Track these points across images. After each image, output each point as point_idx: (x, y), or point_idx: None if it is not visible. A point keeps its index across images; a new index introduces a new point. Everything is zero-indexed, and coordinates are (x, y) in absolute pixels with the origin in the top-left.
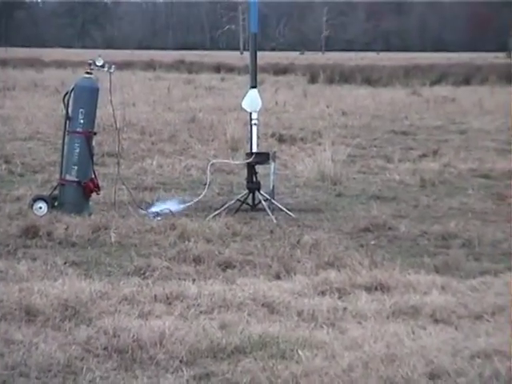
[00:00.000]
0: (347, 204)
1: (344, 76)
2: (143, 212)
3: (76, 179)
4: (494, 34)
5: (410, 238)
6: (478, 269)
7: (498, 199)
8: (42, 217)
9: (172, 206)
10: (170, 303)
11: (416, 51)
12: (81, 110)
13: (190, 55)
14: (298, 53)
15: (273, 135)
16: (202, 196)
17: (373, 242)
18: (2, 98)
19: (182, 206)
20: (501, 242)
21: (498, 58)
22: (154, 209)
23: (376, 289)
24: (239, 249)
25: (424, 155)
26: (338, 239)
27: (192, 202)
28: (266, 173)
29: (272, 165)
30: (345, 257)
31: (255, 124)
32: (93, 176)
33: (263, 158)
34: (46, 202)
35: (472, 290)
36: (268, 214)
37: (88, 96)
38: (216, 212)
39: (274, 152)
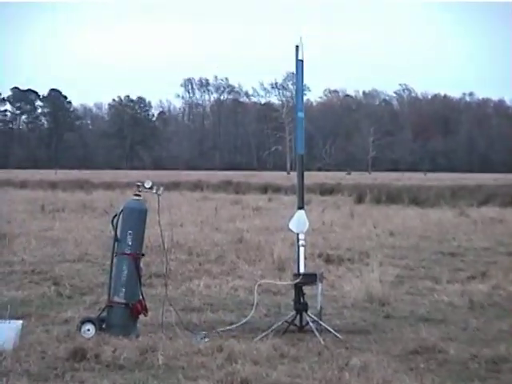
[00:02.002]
0: (395, 326)
1: (391, 196)
2: (191, 334)
3: (124, 301)
4: None
5: (459, 362)
6: None
7: None
8: (89, 339)
9: None
10: None
11: (463, 171)
12: (129, 231)
13: (237, 175)
14: (344, 173)
15: (320, 255)
16: (249, 317)
17: (422, 366)
18: (51, 219)
19: None
20: None
21: None
22: None
23: None
24: (287, 371)
25: (472, 277)
26: (387, 362)
27: (239, 324)
28: (314, 293)
29: (319, 285)
30: (394, 380)
31: (302, 245)
32: (141, 297)
33: (310, 278)
34: (94, 325)
35: None
36: (316, 336)
37: (136, 218)
38: (263, 333)
39: (322, 273)
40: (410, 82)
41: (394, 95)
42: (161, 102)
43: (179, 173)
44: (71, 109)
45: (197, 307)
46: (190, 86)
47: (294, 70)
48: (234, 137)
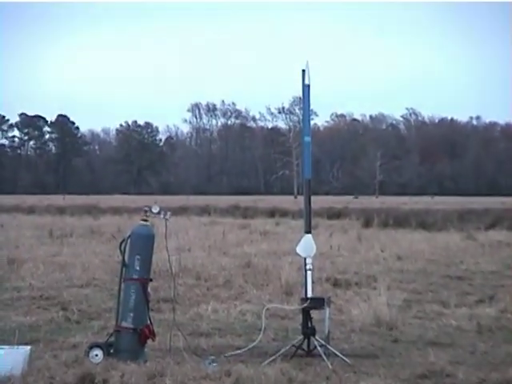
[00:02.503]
0: (404, 350)
1: (398, 220)
2: (199, 358)
3: (132, 326)
4: None
5: None
6: None
7: None
8: (97, 364)
9: None
10: None
11: (470, 195)
12: (137, 256)
13: (245, 200)
14: (351, 197)
15: (327, 279)
16: (257, 341)
17: None
18: (59, 245)
19: None
20: None
21: None
22: None
23: None
24: None
25: (480, 300)
26: None
27: (247, 348)
28: (321, 318)
29: (327, 310)
30: None
31: (310, 269)
32: (148, 322)
33: (318, 303)
34: (102, 350)
35: None
36: (324, 360)
37: (144, 243)
38: (271, 358)
39: (329, 297)
40: (417, 106)
41: (401, 119)
42: (168, 127)
43: (187, 197)
44: (79, 134)
45: (205, 332)
46: (197, 111)
47: (300, 94)
48: (242, 161)
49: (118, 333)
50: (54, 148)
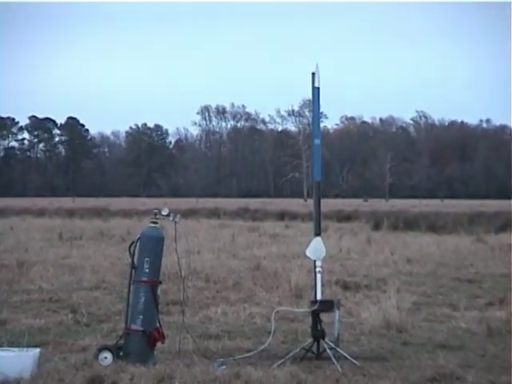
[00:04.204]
0: (413, 353)
1: (408, 223)
2: (208, 361)
3: (141, 328)
4: None
5: None
6: None
7: None
8: (107, 367)
9: None
10: None
11: (480, 198)
12: (146, 259)
13: (254, 202)
14: (361, 199)
15: (337, 282)
16: (266, 344)
17: None
18: (69, 247)
19: None
20: None
21: None
22: None
23: None
24: None
25: (490, 303)
26: None
27: (257, 351)
28: (331, 320)
29: (337, 312)
30: None
31: (319, 272)
32: (158, 325)
33: (328, 305)
34: (111, 352)
35: None
36: (333, 363)
37: (153, 246)
38: (281, 361)
39: (339, 300)
40: (427, 108)
41: (411, 122)
42: (178, 129)
43: (196, 200)
44: (88, 137)
45: (214, 334)
46: (206, 114)
47: (310, 97)
48: (251, 164)
49: (128, 335)
50: (63, 150)
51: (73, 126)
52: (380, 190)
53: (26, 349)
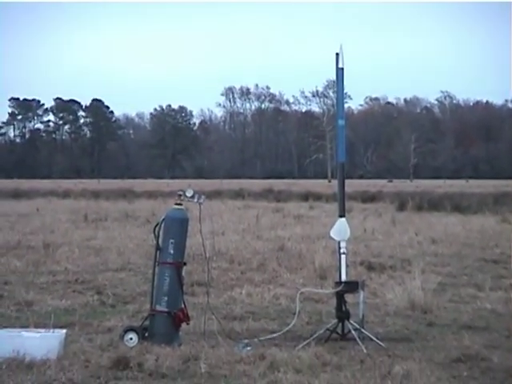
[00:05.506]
0: (438, 334)
1: (433, 203)
2: (233, 342)
3: (166, 310)
4: None
5: (503, 370)
6: None
7: None
8: (132, 348)
9: None
10: None
11: (505, 178)
12: (171, 240)
13: (279, 184)
14: (386, 180)
15: (362, 263)
16: (291, 325)
17: (465, 374)
18: (94, 229)
19: None
20: None
21: None
22: None
23: None
24: (329, 379)
25: None
26: (430, 370)
27: (282, 332)
28: (356, 301)
29: (361, 293)
30: None
31: (344, 253)
32: (183, 306)
33: (352, 286)
34: (137, 333)
35: None
36: (358, 344)
37: (178, 227)
38: (305, 342)
39: (363, 280)
40: (452, 89)
41: (436, 102)
42: (202, 110)
43: (221, 181)
44: (113, 119)
45: (239, 315)
46: (231, 95)
47: (334, 77)
48: (275, 145)
49: (153, 316)
50: (88, 132)
51: (97, 107)
52: (404, 171)
53: (52, 330)
